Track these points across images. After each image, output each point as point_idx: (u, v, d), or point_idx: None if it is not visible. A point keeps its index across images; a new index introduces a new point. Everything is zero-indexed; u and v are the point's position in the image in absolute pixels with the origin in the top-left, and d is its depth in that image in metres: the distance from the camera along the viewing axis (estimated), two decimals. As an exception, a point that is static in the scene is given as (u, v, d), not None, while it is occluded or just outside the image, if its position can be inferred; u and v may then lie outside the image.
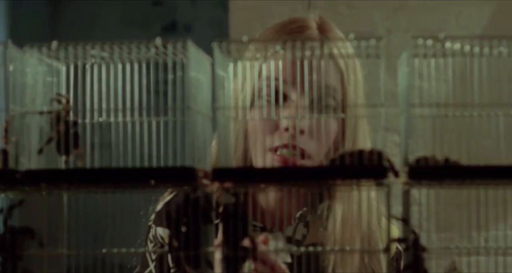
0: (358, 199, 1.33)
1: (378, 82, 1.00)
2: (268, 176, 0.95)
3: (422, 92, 1.08)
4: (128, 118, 1.00)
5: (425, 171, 0.93)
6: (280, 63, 1.27)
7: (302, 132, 1.28)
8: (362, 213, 1.34)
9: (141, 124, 1.00)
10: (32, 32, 4.57)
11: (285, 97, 1.31)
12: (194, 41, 0.99)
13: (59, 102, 1.01)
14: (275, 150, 1.29)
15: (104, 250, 1.02)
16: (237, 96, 1.32)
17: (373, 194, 1.35)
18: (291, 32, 1.36)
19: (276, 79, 1.30)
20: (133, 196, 1.02)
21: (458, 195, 1.06)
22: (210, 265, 0.97)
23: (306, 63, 1.12)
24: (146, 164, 0.98)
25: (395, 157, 0.98)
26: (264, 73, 1.31)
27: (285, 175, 0.94)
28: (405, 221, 0.95)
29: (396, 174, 0.95)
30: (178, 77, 0.97)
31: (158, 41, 0.96)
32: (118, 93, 1.00)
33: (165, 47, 0.97)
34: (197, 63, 0.98)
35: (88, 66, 1.01)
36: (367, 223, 1.34)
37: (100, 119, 1.02)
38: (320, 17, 1.40)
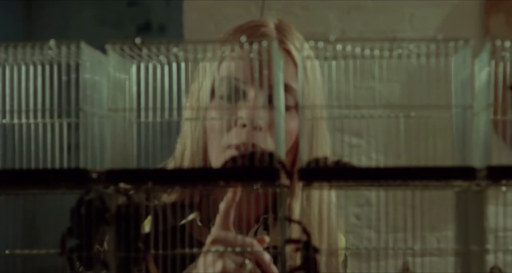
0: (318, 199, 1.34)
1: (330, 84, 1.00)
2: (161, 177, 0.95)
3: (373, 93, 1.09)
4: (26, 120, 1.01)
5: (314, 173, 0.94)
6: (235, 61, 1.27)
7: (259, 128, 1.28)
8: (322, 213, 1.34)
9: (37, 126, 1.00)
10: (6, 32, 4.57)
11: (244, 96, 1.31)
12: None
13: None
14: (232, 148, 1.28)
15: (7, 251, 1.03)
16: (196, 96, 1.32)
17: (333, 197, 1.36)
18: (247, 30, 1.35)
19: (235, 78, 1.30)
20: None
21: (411, 197, 1.06)
22: (106, 266, 0.97)
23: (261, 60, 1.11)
24: (42, 166, 0.98)
25: (347, 158, 0.99)
26: (220, 73, 1.31)
27: (178, 177, 0.95)
28: (298, 222, 0.95)
29: (289, 175, 0.96)
30: (72, 79, 0.97)
31: (52, 42, 0.96)
32: (14, 95, 1.00)
33: (60, 48, 0.97)
34: (93, 65, 0.99)
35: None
36: (326, 224, 1.34)
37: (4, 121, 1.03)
38: (279, 19, 1.40)
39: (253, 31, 1.34)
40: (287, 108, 1.30)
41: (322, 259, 1.11)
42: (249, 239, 1.16)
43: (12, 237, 1.03)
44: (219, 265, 1.14)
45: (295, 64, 1.33)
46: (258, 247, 1.15)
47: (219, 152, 1.30)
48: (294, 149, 1.31)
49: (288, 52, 1.33)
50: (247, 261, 1.14)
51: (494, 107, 0.99)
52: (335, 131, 1.40)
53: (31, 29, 4.81)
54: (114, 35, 4.63)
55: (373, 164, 2.50)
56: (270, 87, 1.27)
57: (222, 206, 1.17)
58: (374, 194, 2.42)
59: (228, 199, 1.16)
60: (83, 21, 4.81)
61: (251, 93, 1.30)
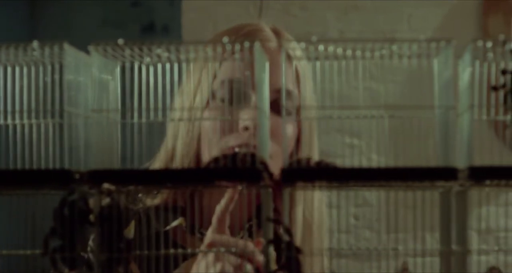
0: (318, 201, 1.34)
1: (328, 84, 1.00)
2: (143, 178, 0.95)
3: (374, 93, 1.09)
4: (12, 121, 1.01)
5: (296, 173, 0.94)
6: (237, 63, 1.27)
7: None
8: (322, 216, 1.34)
9: (22, 127, 1.01)
10: (10, 32, 4.57)
11: (246, 98, 1.30)
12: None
13: None
14: (231, 150, 1.28)
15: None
16: (191, 97, 1.32)
17: (316, 201, 1.36)
18: (247, 34, 1.35)
19: (237, 81, 1.29)
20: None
21: (410, 197, 1.06)
22: (90, 267, 0.98)
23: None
24: (26, 167, 0.98)
25: (346, 158, 0.99)
26: (220, 74, 1.31)
27: (159, 177, 0.95)
28: (278, 221, 0.95)
29: (271, 176, 0.96)
30: (55, 80, 0.98)
31: (35, 43, 0.97)
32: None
33: (43, 49, 0.97)
34: (77, 66, 0.99)
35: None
36: (319, 226, 1.34)
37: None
38: (272, 23, 1.40)
39: (254, 36, 1.33)
40: (287, 113, 1.30)
41: (305, 260, 1.12)
42: (248, 243, 1.16)
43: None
44: (217, 267, 1.13)
45: (295, 69, 1.32)
46: (256, 251, 1.14)
47: (217, 153, 1.28)
48: (294, 154, 1.32)
49: (287, 57, 1.31)
50: (245, 264, 1.14)
51: (489, 108, 0.99)
52: (321, 131, 1.40)
53: (34, 30, 4.82)
54: (118, 36, 4.60)
55: (362, 164, 2.49)
56: (276, 92, 1.26)
57: (218, 208, 1.17)
58: (372, 195, 2.42)
59: (226, 202, 1.15)
60: (87, 22, 4.80)
61: (253, 97, 1.29)
